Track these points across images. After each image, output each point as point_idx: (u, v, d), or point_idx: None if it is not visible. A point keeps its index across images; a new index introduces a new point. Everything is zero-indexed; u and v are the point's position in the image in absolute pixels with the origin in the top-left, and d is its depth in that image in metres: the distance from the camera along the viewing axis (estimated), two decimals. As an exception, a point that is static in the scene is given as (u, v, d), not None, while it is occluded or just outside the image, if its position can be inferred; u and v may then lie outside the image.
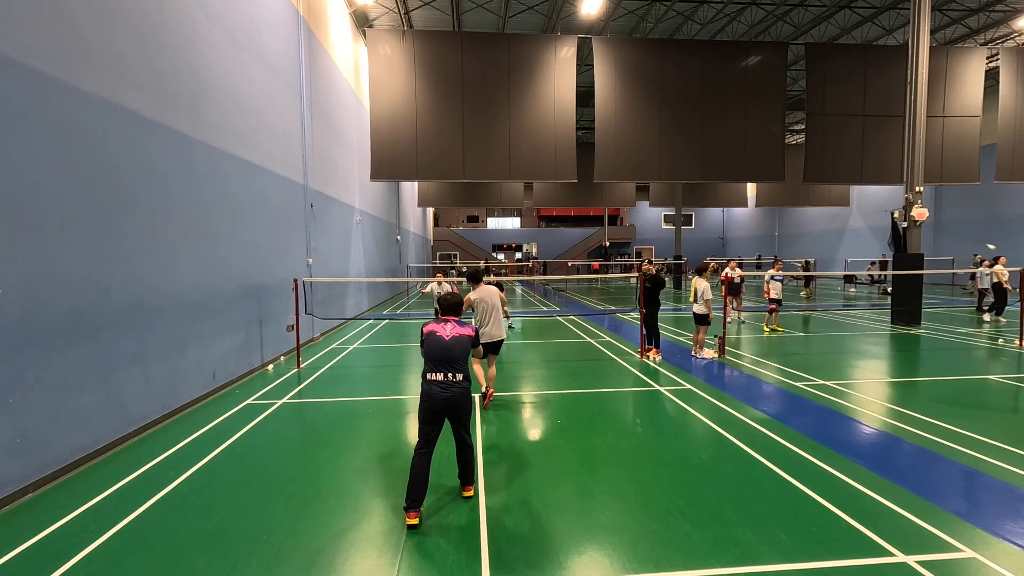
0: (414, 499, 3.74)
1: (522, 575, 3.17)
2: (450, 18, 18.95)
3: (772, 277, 12.63)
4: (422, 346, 4.10)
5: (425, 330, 4.12)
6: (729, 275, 12.85)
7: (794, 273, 19.74)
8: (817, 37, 21.22)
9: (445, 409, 3.90)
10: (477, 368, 6.64)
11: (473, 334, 4.15)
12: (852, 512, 3.84)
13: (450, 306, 4.40)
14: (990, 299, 14.11)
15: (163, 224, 6.15)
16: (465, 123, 14.98)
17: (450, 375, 3.92)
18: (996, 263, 13.61)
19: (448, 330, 4.06)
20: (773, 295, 12.47)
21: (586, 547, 3.46)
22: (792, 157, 21.75)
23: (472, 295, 6.54)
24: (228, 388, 7.63)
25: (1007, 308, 14.02)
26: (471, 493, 4.19)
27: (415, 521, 3.71)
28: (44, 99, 4.52)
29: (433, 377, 3.93)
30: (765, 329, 12.52)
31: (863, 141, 17.08)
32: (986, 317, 13.55)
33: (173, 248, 6.33)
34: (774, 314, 12.49)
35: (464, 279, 7.77)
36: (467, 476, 4.20)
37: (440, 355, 3.96)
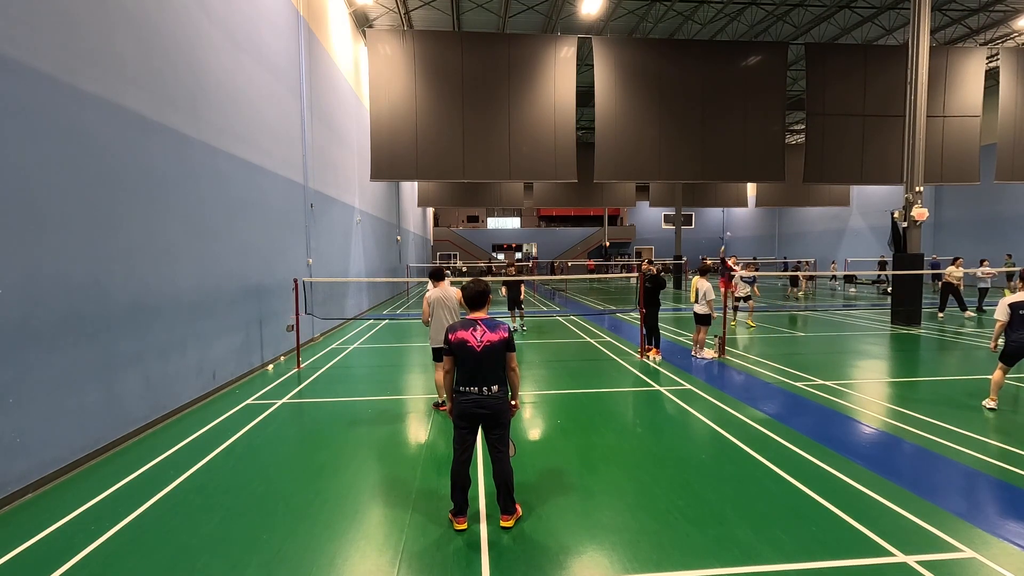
0: (458, 507, 3.68)
1: (522, 575, 3.18)
2: (450, 18, 18.95)
3: (741, 278, 13.57)
4: (448, 353, 3.65)
5: (452, 337, 3.59)
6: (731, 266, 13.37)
7: (763, 273, 20.30)
8: (817, 37, 21.22)
9: (480, 418, 3.64)
10: (439, 377, 6.32)
11: (507, 336, 3.62)
12: (852, 512, 3.84)
13: (473, 296, 3.77)
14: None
15: (162, 224, 6.15)
16: (465, 123, 14.97)
17: (484, 388, 3.58)
18: (954, 264, 14.71)
19: (479, 336, 3.56)
20: (739, 293, 13.56)
21: (586, 547, 3.46)
22: (792, 157, 21.72)
23: (430, 294, 6.08)
24: (228, 388, 7.63)
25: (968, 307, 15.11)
26: (509, 523, 3.67)
27: (462, 526, 3.65)
28: (42, 98, 4.51)
29: (466, 390, 3.60)
30: (750, 324, 13.61)
31: (863, 141, 17.08)
32: (940, 316, 14.38)
33: (172, 248, 6.33)
34: (750, 311, 13.92)
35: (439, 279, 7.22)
36: (504, 498, 3.68)
37: (472, 368, 3.57)
